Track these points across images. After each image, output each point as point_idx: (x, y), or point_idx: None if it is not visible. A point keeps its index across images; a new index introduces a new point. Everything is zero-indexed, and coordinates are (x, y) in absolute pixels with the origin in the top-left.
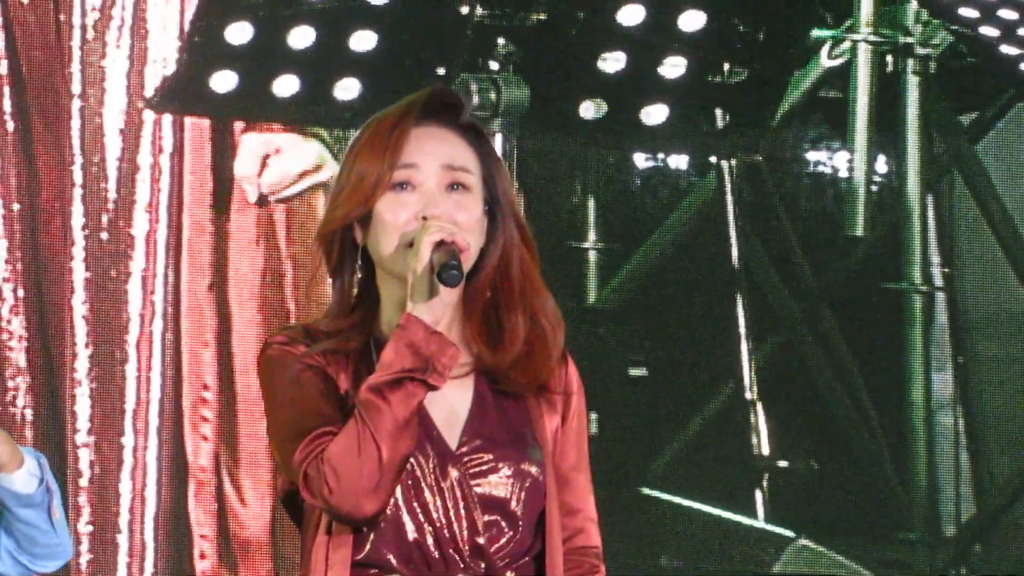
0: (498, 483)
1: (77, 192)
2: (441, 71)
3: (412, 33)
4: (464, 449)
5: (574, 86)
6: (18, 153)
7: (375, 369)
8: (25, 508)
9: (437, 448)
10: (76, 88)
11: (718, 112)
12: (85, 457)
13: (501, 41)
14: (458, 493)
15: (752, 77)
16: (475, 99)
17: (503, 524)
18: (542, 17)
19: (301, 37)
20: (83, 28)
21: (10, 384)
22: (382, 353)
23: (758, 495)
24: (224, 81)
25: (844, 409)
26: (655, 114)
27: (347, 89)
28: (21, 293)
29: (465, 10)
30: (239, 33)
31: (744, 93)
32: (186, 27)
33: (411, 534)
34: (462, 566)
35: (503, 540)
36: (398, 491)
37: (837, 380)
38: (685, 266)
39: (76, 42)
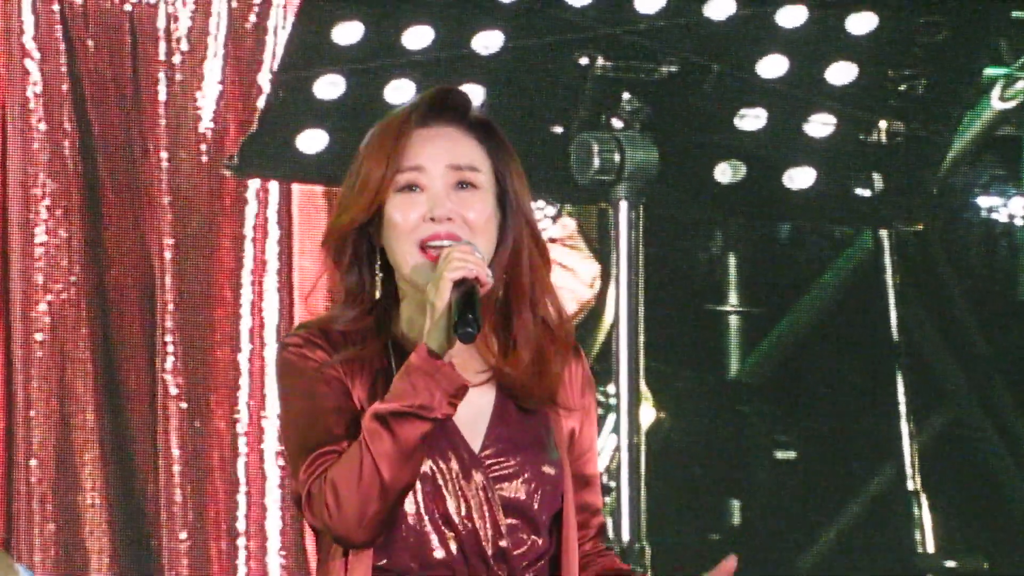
0: (520, 486)
1: (168, 267)
2: (558, 129)
3: (525, 87)
4: (487, 453)
5: (708, 147)
6: (85, 223)
7: (392, 376)
8: None
9: (460, 453)
10: (163, 142)
11: (874, 176)
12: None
13: (626, 96)
14: (481, 497)
15: (911, 135)
16: (596, 161)
17: (525, 527)
18: (672, 69)
19: (399, 91)
20: (169, 79)
21: (87, 474)
22: (393, 381)
23: None
24: (313, 141)
25: (1021, 499)
26: (800, 178)
27: None
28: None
29: (585, 61)
30: (330, 87)
31: (902, 153)
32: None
33: (434, 539)
34: (485, 571)
35: (525, 543)
36: (420, 496)
37: (1013, 465)
38: (838, 333)
39: (162, 94)
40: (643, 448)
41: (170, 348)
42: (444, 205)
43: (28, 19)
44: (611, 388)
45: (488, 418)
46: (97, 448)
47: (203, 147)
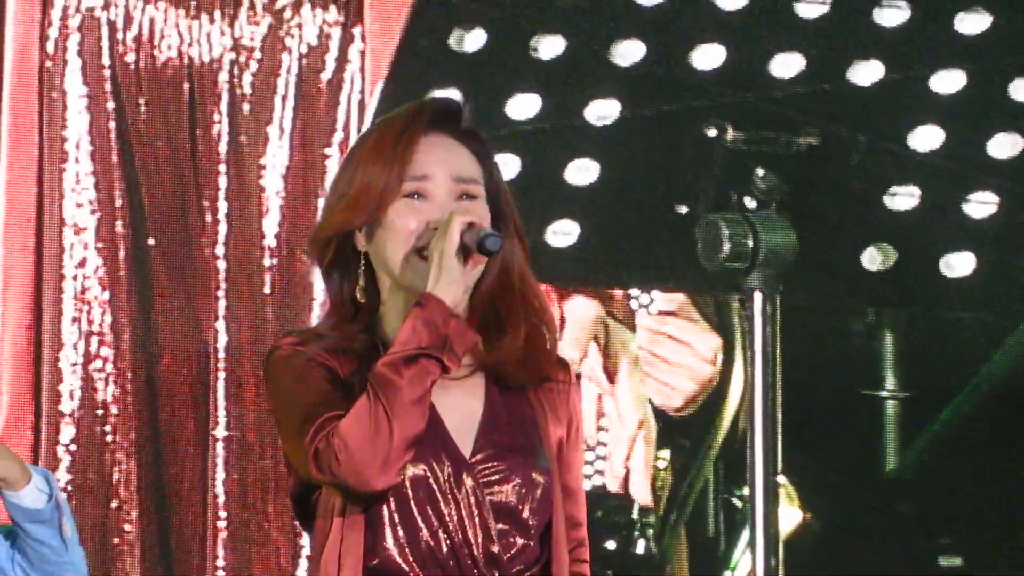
0: (511, 492)
1: (224, 358)
2: (682, 209)
3: (644, 161)
4: (478, 457)
5: (855, 229)
6: (133, 307)
7: None
8: (35, 524)
9: (451, 456)
10: (222, 217)
11: None
12: None
13: (760, 172)
14: (472, 501)
15: None
16: (726, 246)
17: (515, 533)
18: (812, 141)
19: (504, 167)
20: (232, 143)
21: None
22: (400, 330)
23: None
24: None
25: None
26: (959, 264)
27: (564, 233)
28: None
29: (713, 132)
30: None
31: None
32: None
33: (426, 541)
34: (476, 574)
35: (515, 549)
36: (412, 498)
37: None
38: (1010, 422)
39: (223, 165)
40: (782, 565)
41: (221, 448)
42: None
43: (74, 79)
44: (745, 491)
45: (478, 423)
46: (139, 550)
47: (266, 224)
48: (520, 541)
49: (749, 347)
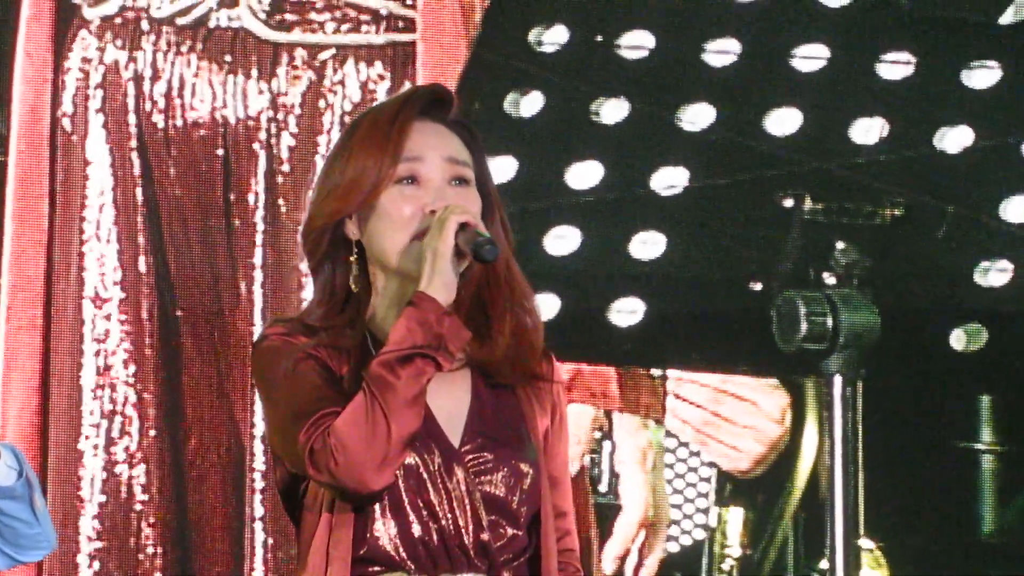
0: (500, 482)
1: (260, 440)
2: (756, 286)
3: (714, 234)
4: (467, 447)
5: (943, 308)
6: (160, 384)
7: None
8: (6, 500)
9: (441, 446)
10: (258, 287)
11: None
12: None
13: (840, 245)
14: (463, 491)
15: None
16: (804, 326)
17: (505, 523)
18: (896, 213)
19: (563, 241)
20: (268, 207)
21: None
22: (392, 329)
23: None
24: None
25: None
26: None
27: (628, 312)
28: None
29: (789, 203)
30: None
31: None
32: None
33: (416, 531)
34: (466, 563)
35: (505, 539)
36: (403, 488)
37: None
38: None
39: (259, 232)
40: None
41: (260, 531)
42: (445, 199)
43: (96, 138)
44: (824, 564)
45: (466, 413)
46: None
47: (305, 297)
48: (509, 531)
49: (828, 434)
